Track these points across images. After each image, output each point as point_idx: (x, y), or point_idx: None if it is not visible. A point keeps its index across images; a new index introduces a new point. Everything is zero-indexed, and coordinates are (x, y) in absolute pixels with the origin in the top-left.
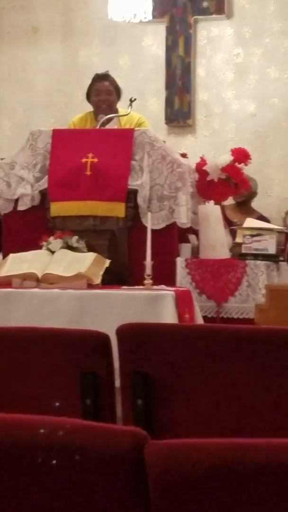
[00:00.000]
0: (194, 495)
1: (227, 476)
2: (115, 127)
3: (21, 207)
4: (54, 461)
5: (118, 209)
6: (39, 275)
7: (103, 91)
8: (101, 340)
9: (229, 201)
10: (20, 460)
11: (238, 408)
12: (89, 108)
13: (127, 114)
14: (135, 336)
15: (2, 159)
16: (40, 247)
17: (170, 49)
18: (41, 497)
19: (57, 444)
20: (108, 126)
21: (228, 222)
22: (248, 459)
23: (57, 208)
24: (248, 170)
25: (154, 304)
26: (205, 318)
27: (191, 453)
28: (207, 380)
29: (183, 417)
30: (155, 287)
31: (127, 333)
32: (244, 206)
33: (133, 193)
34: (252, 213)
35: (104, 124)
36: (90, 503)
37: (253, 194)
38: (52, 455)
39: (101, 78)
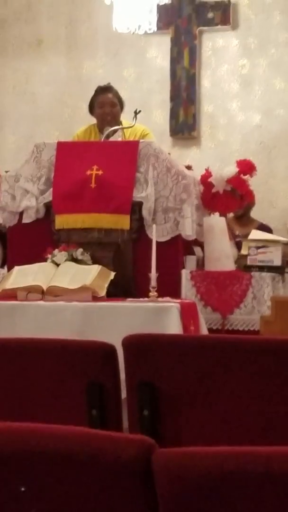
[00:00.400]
0: (202, 502)
1: (234, 484)
2: (120, 139)
3: (25, 219)
4: (61, 470)
5: (123, 222)
6: (44, 287)
7: (107, 103)
8: (107, 351)
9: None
10: (28, 468)
11: (244, 417)
12: (94, 120)
13: (132, 126)
14: (141, 346)
15: (6, 171)
16: (45, 260)
17: (175, 60)
18: (50, 505)
19: (66, 452)
20: (112, 138)
21: (233, 234)
22: (255, 467)
23: (62, 221)
24: (253, 181)
25: (159, 316)
26: (210, 330)
27: (199, 462)
28: (213, 390)
29: (190, 427)
30: (160, 299)
31: (133, 343)
32: (244, 217)
33: (138, 205)
34: (252, 222)
35: (108, 136)
36: (99, 510)
37: (251, 204)
38: (60, 463)
39: (104, 90)
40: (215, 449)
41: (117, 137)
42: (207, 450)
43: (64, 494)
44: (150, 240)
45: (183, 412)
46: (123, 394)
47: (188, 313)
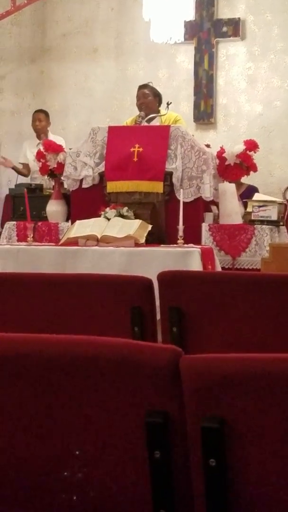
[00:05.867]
0: (215, 396)
1: (242, 383)
2: (158, 123)
3: (84, 185)
4: (112, 371)
5: (157, 187)
6: (99, 236)
7: (141, 96)
8: (146, 283)
9: None
10: (87, 370)
11: (248, 333)
12: (136, 111)
13: (164, 115)
14: (171, 280)
15: (70, 149)
16: (99, 215)
17: (197, 64)
18: (102, 397)
19: (115, 357)
20: (152, 123)
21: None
22: (256, 368)
23: (112, 186)
24: (256, 156)
25: (184, 258)
26: (223, 268)
27: (214, 365)
28: (225, 313)
29: (208, 340)
30: (185, 245)
31: (166, 278)
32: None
33: (169, 174)
34: (242, 185)
35: (149, 121)
36: (139, 402)
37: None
38: (110, 367)
39: (140, 87)
40: (226, 355)
41: (156, 122)
42: (221, 356)
43: (113, 388)
44: (179, 201)
45: (202, 329)
46: (158, 316)
47: (206, 256)
